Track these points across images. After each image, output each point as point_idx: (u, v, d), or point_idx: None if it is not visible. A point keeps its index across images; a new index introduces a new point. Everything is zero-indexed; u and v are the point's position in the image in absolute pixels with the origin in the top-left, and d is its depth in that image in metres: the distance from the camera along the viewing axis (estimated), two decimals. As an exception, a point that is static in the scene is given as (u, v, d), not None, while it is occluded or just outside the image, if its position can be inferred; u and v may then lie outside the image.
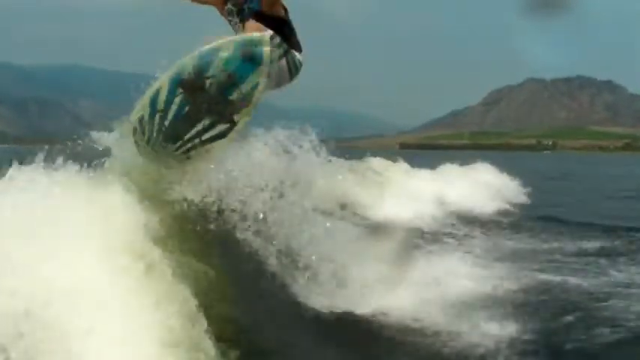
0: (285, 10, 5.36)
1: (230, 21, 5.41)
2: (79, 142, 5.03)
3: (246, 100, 4.87)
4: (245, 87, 4.81)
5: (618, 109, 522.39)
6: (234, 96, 4.82)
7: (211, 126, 4.93)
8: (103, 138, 5.23)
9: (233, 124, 4.95)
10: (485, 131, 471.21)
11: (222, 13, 5.47)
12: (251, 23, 5.18)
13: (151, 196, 4.73)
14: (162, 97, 4.84)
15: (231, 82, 4.77)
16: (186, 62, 4.80)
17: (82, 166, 4.55)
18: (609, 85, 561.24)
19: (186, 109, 4.82)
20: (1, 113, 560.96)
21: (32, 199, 4.04)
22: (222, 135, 4.97)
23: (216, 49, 4.75)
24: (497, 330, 5.13)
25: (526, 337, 5.03)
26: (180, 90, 4.77)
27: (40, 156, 4.30)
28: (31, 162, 4.33)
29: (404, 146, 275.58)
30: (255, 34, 4.82)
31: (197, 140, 4.96)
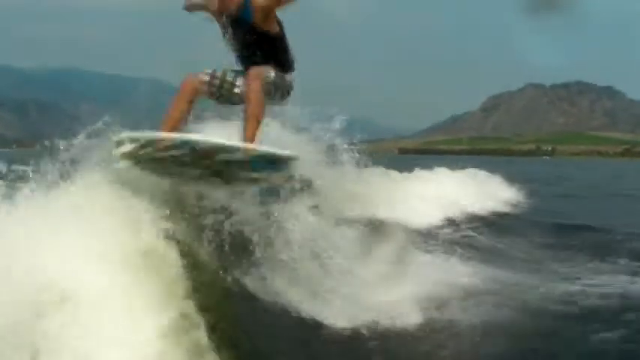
0: (280, 25, 5.29)
1: (224, 33, 5.31)
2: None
3: (253, 181, 4.95)
4: (256, 174, 4.83)
5: (617, 114, 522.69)
6: (241, 175, 4.81)
7: (208, 175, 4.80)
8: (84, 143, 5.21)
9: (230, 185, 4.94)
10: (485, 136, 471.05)
11: (218, 22, 5.40)
12: (253, 71, 5.09)
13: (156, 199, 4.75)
14: (166, 143, 4.60)
15: (245, 168, 4.75)
16: (206, 139, 4.67)
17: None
18: (608, 91, 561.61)
19: (186, 159, 4.63)
20: (0, 116, 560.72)
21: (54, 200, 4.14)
22: (217, 183, 4.91)
23: (244, 150, 4.70)
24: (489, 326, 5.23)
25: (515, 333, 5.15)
26: (187, 149, 4.59)
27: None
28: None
29: (403, 151, 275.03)
30: (292, 153, 4.89)
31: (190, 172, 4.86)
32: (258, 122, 5.04)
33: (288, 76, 5.37)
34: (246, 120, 5.04)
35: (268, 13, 5.15)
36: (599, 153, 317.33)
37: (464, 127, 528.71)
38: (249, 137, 4.95)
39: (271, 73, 5.18)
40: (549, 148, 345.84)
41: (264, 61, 5.20)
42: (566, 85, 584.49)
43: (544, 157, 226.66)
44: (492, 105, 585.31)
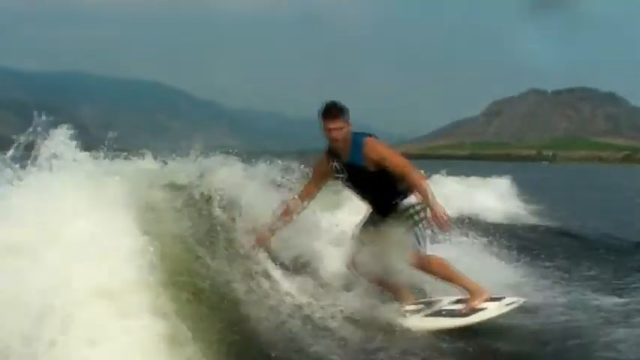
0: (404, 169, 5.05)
1: (339, 177, 5.24)
2: None
3: None
4: None
5: (619, 121, 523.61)
6: None
7: None
8: None
9: None
10: (487, 142, 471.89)
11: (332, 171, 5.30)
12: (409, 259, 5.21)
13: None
14: None
15: None
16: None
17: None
18: (611, 97, 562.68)
19: None
20: (1, 118, 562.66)
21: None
22: None
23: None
24: None
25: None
26: None
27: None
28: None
29: (405, 156, 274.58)
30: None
31: None
32: (456, 271, 5.24)
33: (416, 197, 5.16)
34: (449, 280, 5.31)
35: (380, 163, 5.05)
36: (600, 159, 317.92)
37: (466, 133, 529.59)
38: (468, 287, 5.21)
39: (411, 241, 5.15)
40: (550, 154, 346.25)
41: (386, 195, 5.19)
42: (568, 91, 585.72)
43: (543, 163, 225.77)
44: (494, 110, 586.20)
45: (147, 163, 5.48)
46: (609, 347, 4.84)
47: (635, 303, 6.13)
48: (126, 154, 5.33)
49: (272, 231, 5.18)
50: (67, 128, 4.30)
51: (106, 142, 4.92)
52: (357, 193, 5.35)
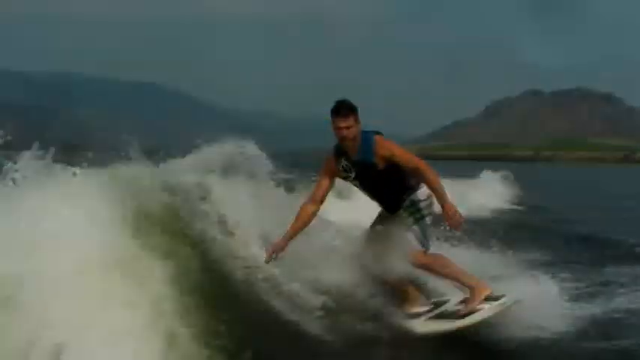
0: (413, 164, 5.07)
1: (347, 176, 5.26)
2: None
3: None
4: None
5: (617, 121, 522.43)
6: None
7: None
8: None
9: None
10: (485, 142, 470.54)
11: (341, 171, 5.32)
12: (408, 256, 5.19)
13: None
14: None
15: None
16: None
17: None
18: (609, 98, 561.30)
19: None
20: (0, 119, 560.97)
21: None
22: None
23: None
24: None
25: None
26: None
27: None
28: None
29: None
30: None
31: None
32: (457, 269, 5.26)
33: (421, 193, 5.24)
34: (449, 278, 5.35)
35: (390, 159, 5.08)
36: (599, 159, 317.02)
37: (464, 134, 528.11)
38: (470, 285, 5.23)
39: (412, 240, 5.19)
40: (549, 155, 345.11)
41: (394, 191, 5.22)
42: (565, 92, 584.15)
43: (540, 163, 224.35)
44: (492, 111, 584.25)
45: (146, 164, 5.51)
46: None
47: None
48: (124, 154, 5.38)
49: (286, 240, 5.17)
50: (38, 148, 4.56)
51: (105, 144, 4.99)
52: (366, 191, 5.34)
